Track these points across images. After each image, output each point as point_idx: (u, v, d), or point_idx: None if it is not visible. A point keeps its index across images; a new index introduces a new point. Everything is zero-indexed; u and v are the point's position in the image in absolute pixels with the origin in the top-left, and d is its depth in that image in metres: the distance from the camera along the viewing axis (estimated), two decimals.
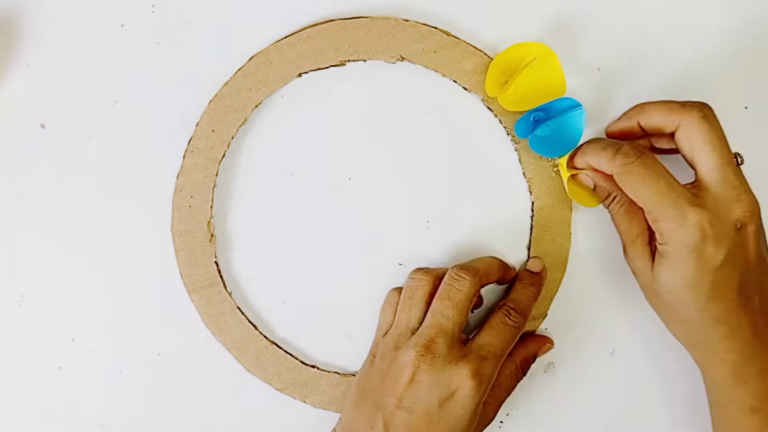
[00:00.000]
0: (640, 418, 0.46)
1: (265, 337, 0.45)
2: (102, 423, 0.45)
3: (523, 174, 0.45)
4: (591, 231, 0.45)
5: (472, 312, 0.44)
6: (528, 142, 0.43)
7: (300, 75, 0.44)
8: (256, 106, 0.44)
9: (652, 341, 0.45)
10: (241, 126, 0.44)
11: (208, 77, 0.44)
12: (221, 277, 0.44)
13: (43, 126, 0.44)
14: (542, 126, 0.42)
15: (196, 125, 0.44)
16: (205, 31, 0.44)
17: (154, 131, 0.44)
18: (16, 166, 0.44)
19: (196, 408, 0.45)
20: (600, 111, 0.45)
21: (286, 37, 0.44)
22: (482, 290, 0.44)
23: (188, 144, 0.44)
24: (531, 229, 0.45)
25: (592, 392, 0.45)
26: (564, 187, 0.44)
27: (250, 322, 0.45)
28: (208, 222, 0.44)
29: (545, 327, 0.45)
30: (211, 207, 0.44)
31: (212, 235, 0.44)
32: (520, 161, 0.45)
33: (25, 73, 0.44)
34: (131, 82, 0.44)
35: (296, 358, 0.45)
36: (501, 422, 0.45)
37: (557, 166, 0.44)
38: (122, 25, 0.44)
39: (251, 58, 0.44)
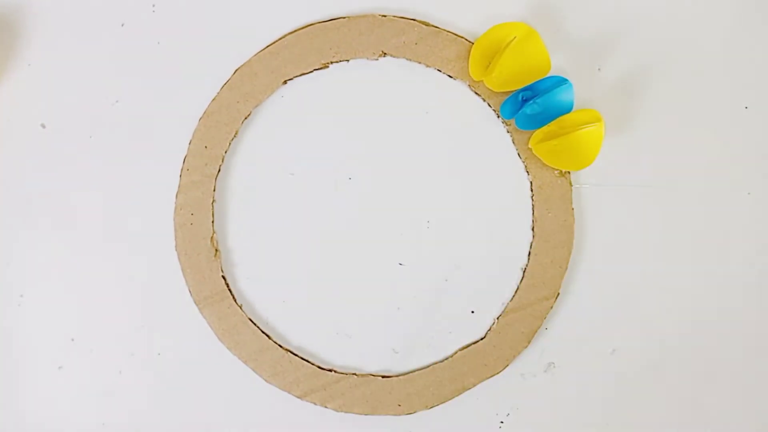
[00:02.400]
0: (640, 417, 0.45)
1: (279, 346, 0.45)
2: (102, 423, 0.45)
3: (518, 155, 0.44)
4: (592, 231, 0.44)
5: None
6: (515, 122, 0.43)
7: (285, 82, 0.44)
8: (246, 118, 0.44)
9: (652, 341, 0.44)
10: (232, 139, 0.44)
11: (209, 77, 0.44)
12: (230, 290, 0.45)
13: (43, 126, 0.45)
14: (530, 104, 0.42)
15: (189, 143, 0.44)
16: (206, 31, 0.45)
17: (155, 130, 0.45)
18: (16, 166, 0.45)
19: (196, 408, 0.45)
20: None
21: (267, 47, 0.44)
22: (475, 292, 0.45)
23: (183, 162, 0.44)
24: (532, 209, 0.44)
25: (592, 392, 0.45)
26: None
27: (263, 332, 0.45)
28: (211, 237, 0.44)
29: (545, 327, 0.45)
30: (213, 222, 0.45)
31: (217, 250, 0.45)
32: (513, 142, 0.44)
33: (25, 73, 0.45)
34: (132, 81, 0.45)
35: (313, 364, 0.45)
36: (501, 422, 0.44)
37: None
38: (123, 25, 0.45)
39: (235, 71, 0.44)
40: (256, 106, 0.44)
